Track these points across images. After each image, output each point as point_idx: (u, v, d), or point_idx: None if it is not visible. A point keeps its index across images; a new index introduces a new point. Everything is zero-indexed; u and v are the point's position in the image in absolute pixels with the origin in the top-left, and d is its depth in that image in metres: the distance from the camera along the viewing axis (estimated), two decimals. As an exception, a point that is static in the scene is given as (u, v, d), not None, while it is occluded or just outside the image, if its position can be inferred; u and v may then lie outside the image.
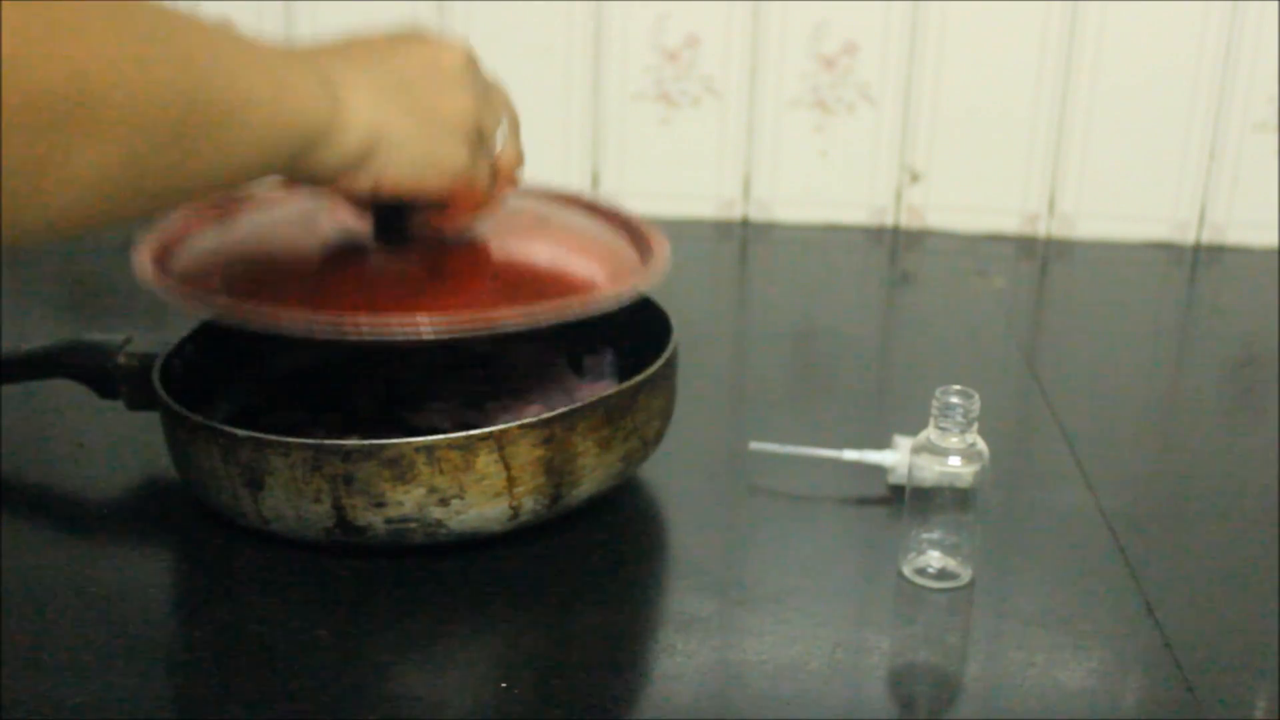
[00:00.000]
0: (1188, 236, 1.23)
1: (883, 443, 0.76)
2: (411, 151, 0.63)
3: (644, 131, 1.25)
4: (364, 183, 0.62)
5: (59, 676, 0.58)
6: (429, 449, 0.62)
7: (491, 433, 0.63)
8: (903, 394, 0.94)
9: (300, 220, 0.75)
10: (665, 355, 0.71)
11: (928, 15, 1.19)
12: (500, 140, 0.69)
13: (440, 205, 0.69)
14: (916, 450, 0.66)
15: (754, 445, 0.77)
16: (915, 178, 1.24)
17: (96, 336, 0.80)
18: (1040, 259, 1.22)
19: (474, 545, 0.68)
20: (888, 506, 0.75)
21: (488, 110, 0.67)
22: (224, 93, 0.50)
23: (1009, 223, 1.25)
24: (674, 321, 0.76)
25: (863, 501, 0.75)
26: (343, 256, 0.71)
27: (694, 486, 0.78)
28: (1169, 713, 0.58)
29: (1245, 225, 1.22)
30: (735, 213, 1.26)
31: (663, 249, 0.75)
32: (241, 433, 0.64)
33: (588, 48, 1.23)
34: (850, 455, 0.75)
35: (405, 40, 0.65)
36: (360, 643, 0.62)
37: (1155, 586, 0.67)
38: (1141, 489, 0.79)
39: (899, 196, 1.25)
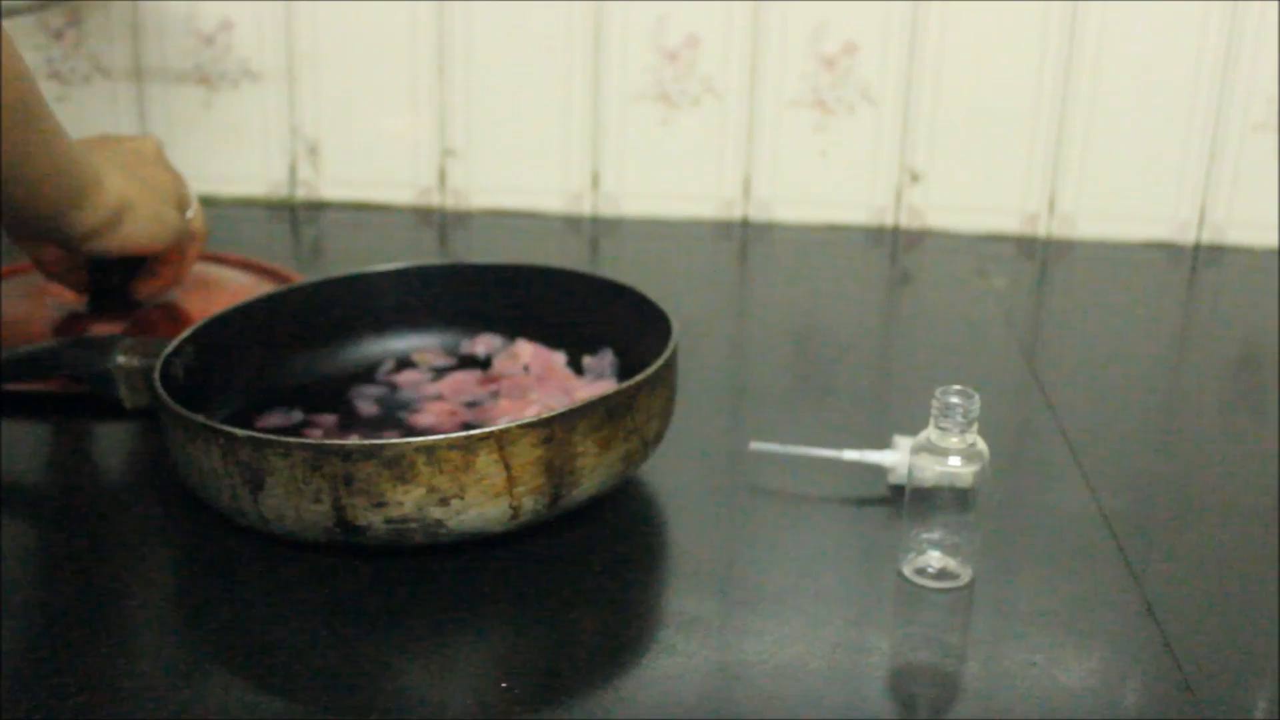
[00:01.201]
0: (1188, 236, 1.23)
1: (883, 443, 0.76)
2: (147, 216, 0.81)
3: (644, 131, 1.25)
4: (113, 244, 0.80)
5: (59, 676, 0.58)
6: (429, 449, 0.62)
7: (491, 433, 0.63)
8: (903, 394, 0.94)
9: (27, 297, 0.94)
10: (665, 355, 0.71)
11: (928, 15, 1.19)
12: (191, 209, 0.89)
13: (155, 268, 0.88)
14: (916, 450, 0.66)
15: (754, 445, 0.77)
16: (915, 178, 1.24)
17: (96, 336, 0.80)
18: (1040, 259, 1.22)
19: (474, 545, 0.68)
20: (888, 506, 0.75)
21: (183, 183, 0.88)
22: (43, 115, 0.71)
23: (1009, 223, 1.25)
24: (674, 321, 0.76)
25: (863, 501, 0.75)
26: (68, 325, 0.90)
27: (694, 486, 0.78)
28: (1169, 713, 0.58)
29: (1245, 225, 1.22)
30: (735, 213, 1.26)
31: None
32: (241, 433, 0.64)
33: (588, 48, 1.23)
34: (850, 455, 0.75)
35: (113, 138, 0.85)
36: (360, 643, 0.62)
37: (1155, 586, 0.67)
38: (1141, 489, 0.79)
39: (899, 196, 1.25)
